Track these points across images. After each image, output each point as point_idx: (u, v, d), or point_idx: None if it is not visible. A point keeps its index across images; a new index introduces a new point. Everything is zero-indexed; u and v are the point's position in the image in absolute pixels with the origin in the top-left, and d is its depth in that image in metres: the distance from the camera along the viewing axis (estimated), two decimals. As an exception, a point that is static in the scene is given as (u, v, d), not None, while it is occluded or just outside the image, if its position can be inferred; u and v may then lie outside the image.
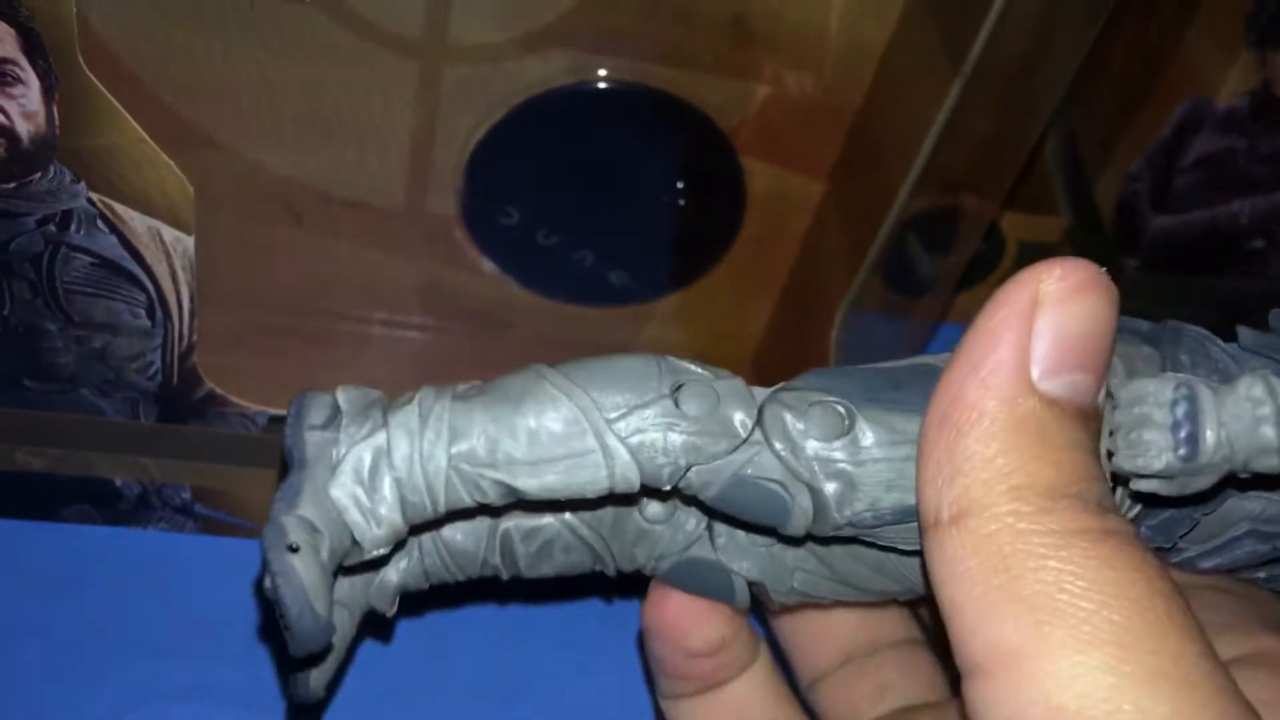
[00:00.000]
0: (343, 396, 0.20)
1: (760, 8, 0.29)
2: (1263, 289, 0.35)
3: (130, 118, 0.25)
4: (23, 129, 0.25)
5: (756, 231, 0.33)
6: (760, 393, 0.20)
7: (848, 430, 0.19)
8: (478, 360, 0.34)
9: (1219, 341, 0.21)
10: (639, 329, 0.35)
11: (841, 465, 0.19)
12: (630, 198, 0.32)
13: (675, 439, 0.19)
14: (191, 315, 0.28)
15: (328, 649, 0.20)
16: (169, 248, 0.27)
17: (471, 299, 0.34)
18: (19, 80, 0.24)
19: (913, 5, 0.28)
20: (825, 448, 0.19)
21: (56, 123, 0.25)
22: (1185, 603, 0.16)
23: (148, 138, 0.25)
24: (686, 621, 0.23)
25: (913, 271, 0.32)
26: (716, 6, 0.29)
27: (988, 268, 0.38)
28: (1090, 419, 0.18)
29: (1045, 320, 0.17)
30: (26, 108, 0.24)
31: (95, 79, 0.24)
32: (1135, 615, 0.16)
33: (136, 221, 0.27)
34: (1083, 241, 0.35)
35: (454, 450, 0.19)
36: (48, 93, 0.24)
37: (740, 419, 0.19)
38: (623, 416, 0.19)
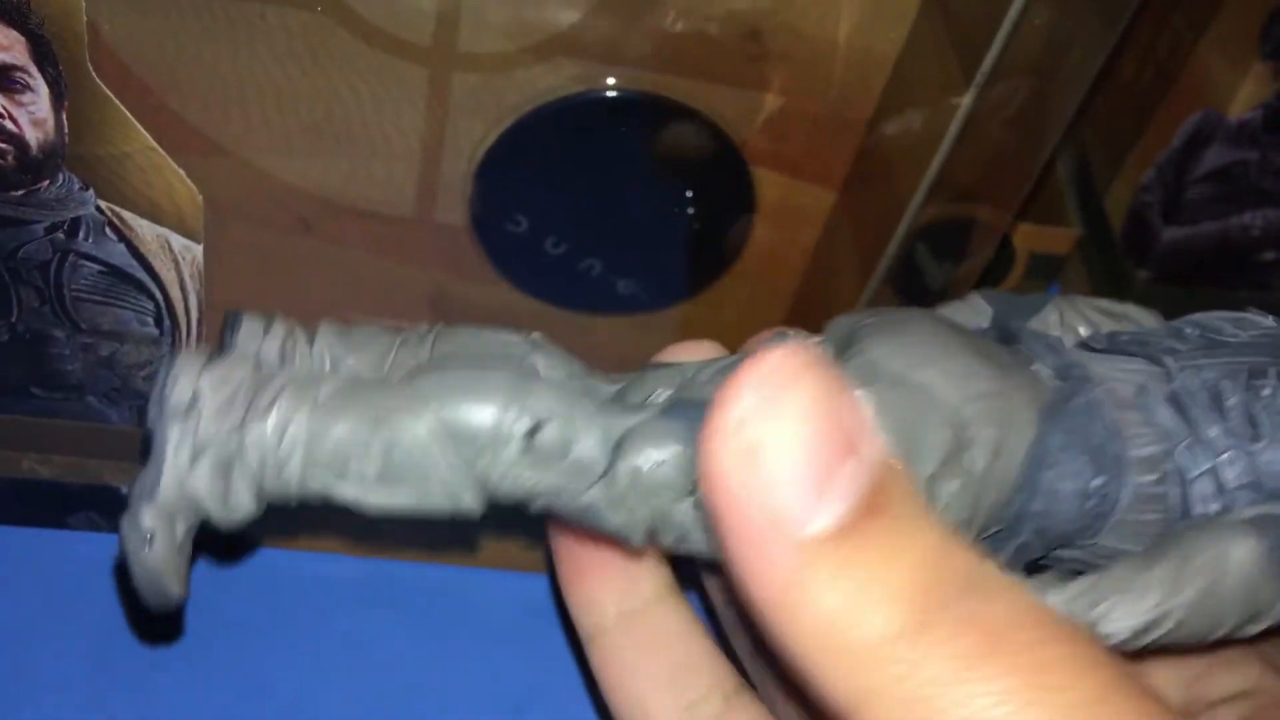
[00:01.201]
0: (207, 380, 0.20)
1: (771, 18, 0.29)
2: (1274, 301, 0.35)
3: (139, 126, 0.25)
4: (32, 136, 0.25)
5: (766, 241, 0.33)
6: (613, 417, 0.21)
7: (684, 497, 0.20)
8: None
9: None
10: (647, 338, 0.35)
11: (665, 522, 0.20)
12: (639, 207, 0.32)
13: (527, 480, 0.20)
14: (199, 324, 0.28)
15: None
16: (178, 256, 0.27)
17: (480, 307, 0.34)
18: (28, 88, 0.24)
19: (925, 16, 0.28)
20: (657, 505, 0.20)
21: (65, 130, 0.25)
22: None
23: (157, 146, 0.25)
24: None
25: (923, 282, 0.32)
26: (727, 16, 0.29)
27: (998, 278, 0.38)
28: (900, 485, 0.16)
29: (774, 449, 0.15)
30: (36, 115, 0.24)
31: (105, 87, 0.24)
32: None
33: (145, 230, 0.26)
34: (1093, 253, 0.35)
35: (308, 462, 0.20)
36: (57, 100, 0.24)
37: (593, 460, 0.20)
38: (478, 452, 0.20)
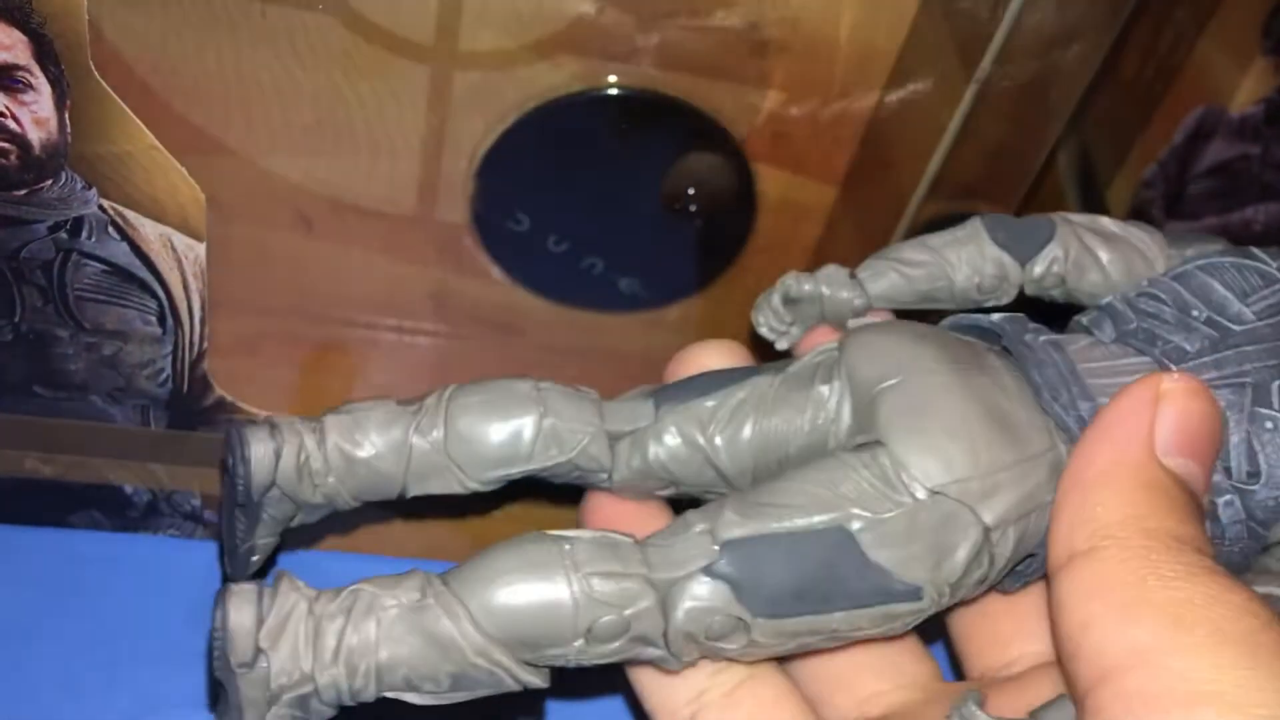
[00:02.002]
0: (266, 637, 0.21)
1: (772, 14, 0.29)
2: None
3: (142, 124, 0.25)
4: (34, 136, 0.25)
5: (768, 238, 0.33)
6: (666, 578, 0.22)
7: (742, 630, 0.22)
8: (488, 367, 0.34)
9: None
10: (649, 336, 0.35)
11: (727, 650, 0.22)
12: (640, 204, 0.32)
13: (591, 660, 0.22)
14: (202, 322, 0.28)
15: None
16: (180, 255, 0.27)
17: (482, 305, 0.34)
18: (31, 87, 0.24)
19: (926, 12, 0.28)
20: (714, 645, 0.22)
21: (68, 129, 0.25)
22: None
23: (159, 144, 0.25)
24: (626, 519, 0.25)
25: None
26: (729, 13, 0.29)
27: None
28: (1198, 501, 0.21)
29: (1166, 411, 0.21)
30: (38, 114, 0.24)
31: (107, 86, 0.24)
32: (1259, 629, 0.18)
33: (148, 228, 0.27)
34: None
35: (380, 688, 0.21)
36: (59, 99, 0.24)
37: (650, 630, 0.22)
38: (543, 654, 0.22)
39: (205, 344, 0.29)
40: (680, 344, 0.35)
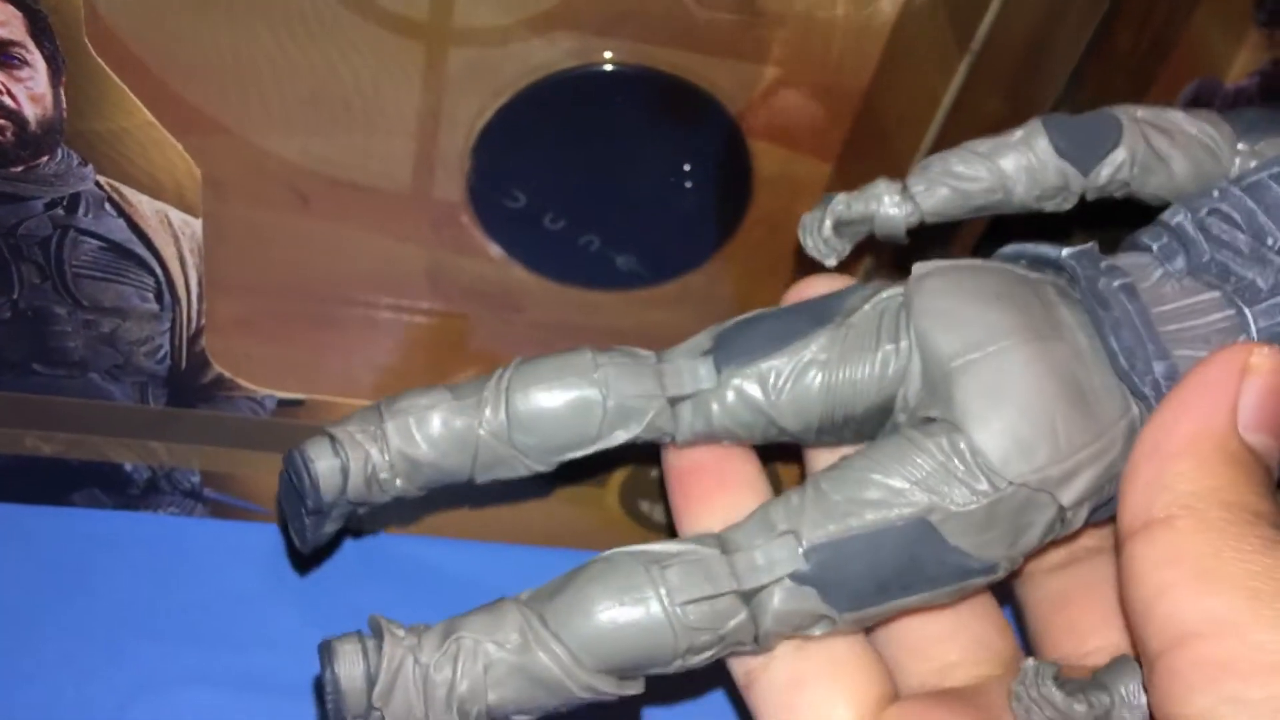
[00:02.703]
0: (379, 698, 0.22)
1: (767, -11, 0.29)
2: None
3: (137, 100, 0.25)
4: (30, 112, 0.25)
5: (764, 214, 0.33)
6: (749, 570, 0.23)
7: (827, 622, 0.23)
8: (484, 345, 0.34)
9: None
10: (646, 313, 0.35)
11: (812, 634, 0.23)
12: (637, 181, 0.32)
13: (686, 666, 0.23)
14: (200, 299, 0.28)
15: None
16: (177, 231, 0.27)
17: (479, 283, 0.34)
18: (26, 63, 0.24)
19: (920, -16, 0.28)
20: (800, 632, 0.23)
21: (64, 106, 0.25)
22: None
23: (155, 121, 0.25)
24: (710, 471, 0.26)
25: (921, 253, 0.32)
26: (723, -12, 0.29)
27: (991, 250, 0.38)
28: (1274, 477, 0.21)
29: (1252, 385, 0.21)
30: (33, 91, 0.24)
31: (103, 62, 0.24)
32: None
33: (144, 205, 0.27)
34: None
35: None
36: (55, 76, 0.24)
37: (740, 626, 0.22)
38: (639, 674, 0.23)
39: (203, 321, 0.29)
40: (678, 321, 0.35)
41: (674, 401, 0.24)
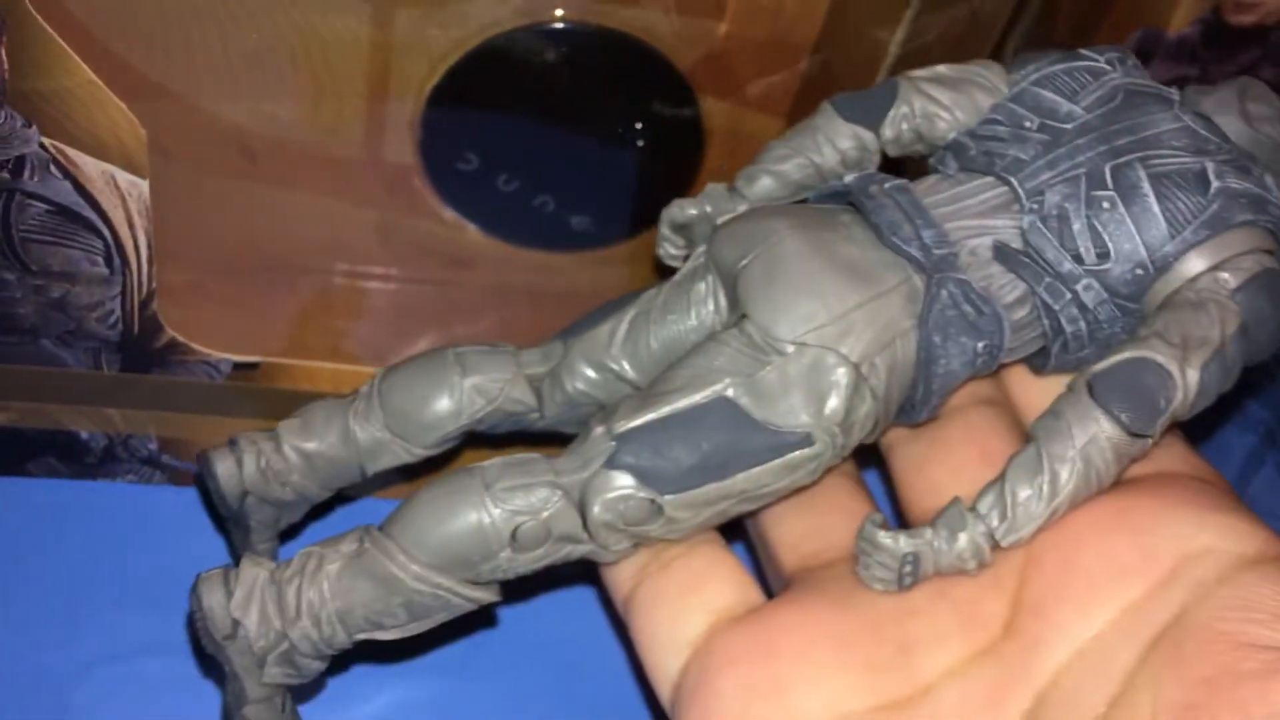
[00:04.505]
0: (237, 607, 0.24)
1: (714, -57, 0.29)
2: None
3: (79, 59, 0.25)
4: (-29, 73, 0.25)
5: (716, 171, 0.33)
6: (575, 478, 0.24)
7: (656, 510, 0.23)
8: (439, 308, 0.34)
9: None
10: (602, 273, 0.35)
11: (650, 531, 0.24)
12: (589, 140, 0.32)
13: (526, 565, 0.24)
14: (150, 262, 0.28)
15: None
16: (124, 193, 0.27)
17: (433, 246, 0.34)
18: (-35, 24, 0.24)
19: (863, -64, 0.29)
20: (637, 530, 0.24)
21: (5, 66, 0.25)
22: None
23: (97, 79, 0.25)
24: None
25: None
26: (669, -58, 0.29)
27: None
28: None
29: None
30: (-26, 51, 0.24)
31: (43, 21, 0.24)
32: None
33: (90, 167, 0.26)
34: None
35: (350, 631, 0.24)
36: (-5, 36, 0.24)
37: (572, 528, 0.24)
38: (477, 568, 0.24)
39: (154, 284, 0.29)
40: (633, 280, 0.35)
41: (535, 382, 0.26)
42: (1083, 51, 0.26)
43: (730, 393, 0.23)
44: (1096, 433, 0.22)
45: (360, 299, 0.34)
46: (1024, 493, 0.23)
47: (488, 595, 0.24)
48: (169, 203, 0.28)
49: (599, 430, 0.24)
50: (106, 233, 0.28)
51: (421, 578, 0.23)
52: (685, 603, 0.24)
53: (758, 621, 0.24)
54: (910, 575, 0.23)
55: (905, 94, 0.26)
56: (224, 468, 0.26)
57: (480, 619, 0.26)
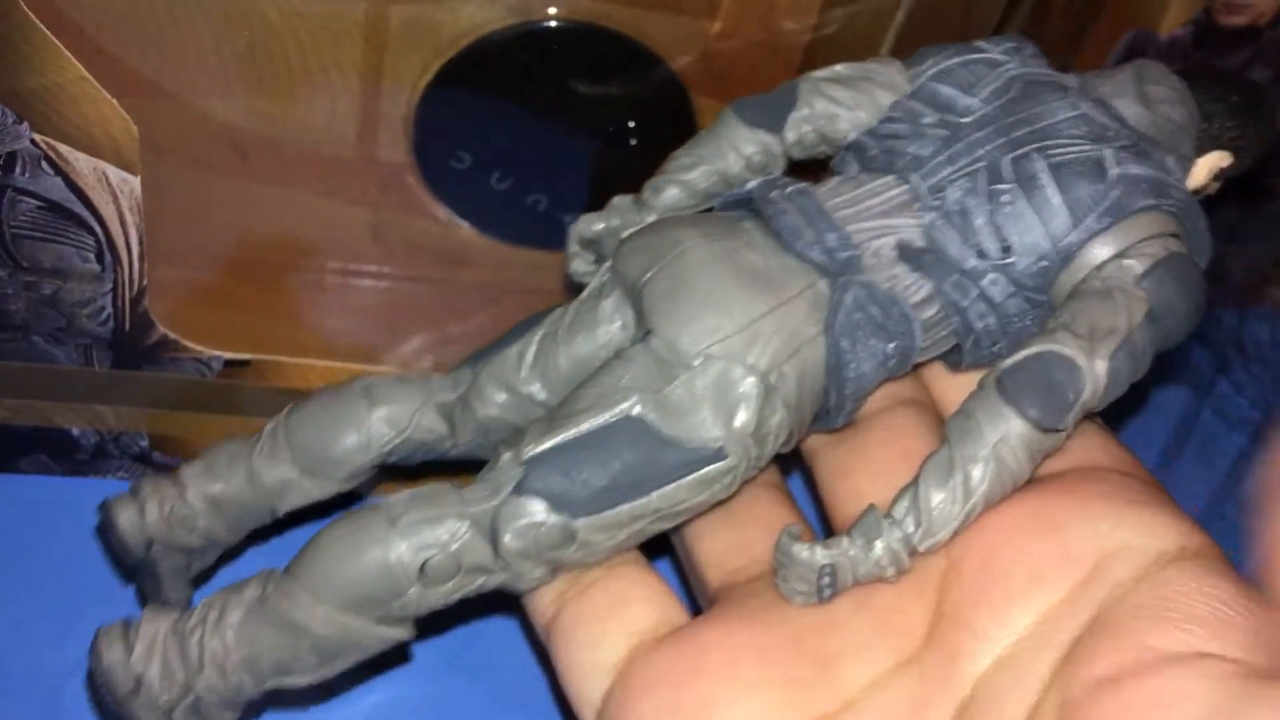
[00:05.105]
0: (138, 662, 0.23)
1: (707, -58, 0.29)
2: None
3: (71, 56, 0.25)
4: (-38, 69, 0.25)
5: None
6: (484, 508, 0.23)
7: (569, 535, 0.23)
8: (431, 306, 0.34)
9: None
10: (595, 271, 0.35)
11: (566, 556, 0.23)
12: (582, 139, 0.32)
13: (439, 599, 0.23)
14: (141, 259, 0.28)
15: None
16: (115, 189, 0.27)
17: (426, 245, 0.34)
18: (-44, 19, 0.24)
19: (856, -64, 0.29)
20: (552, 556, 0.23)
21: (-4, 62, 0.25)
22: None
23: (88, 75, 0.25)
24: None
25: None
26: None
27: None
28: None
29: None
30: (-35, 46, 0.24)
31: (34, 17, 0.24)
32: None
33: (82, 163, 0.26)
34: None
35: (257, 681, 0.23)
36: (-14, 31, 0.24)
37: (483, 558, 0.23)
38: (387, 606, 0.23)
39: (145, 281, 0.29)
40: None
41: (446, 410, 0.26)
42: (979, 44, 0.25)
43: (638, 410, 0.23)
44: (1007, 431, 0.22)
45: (352, 296, 0.34)
46: (938, 496, 0.22)
47: (400, 633, 0.23)
48: (161, 199, 0.28)
49: (507, 456, 0.23)
50: (98, 229, 0.28)
51: (329, 620, 0.23)
52: (605, 626, 0.24)
53: (679, 642, 0.23)
54: (829, 587, 0.23)
55: (805, 96, 0.26)
56: (126, 517, 0.25)
57: (397, 654, 0.25)
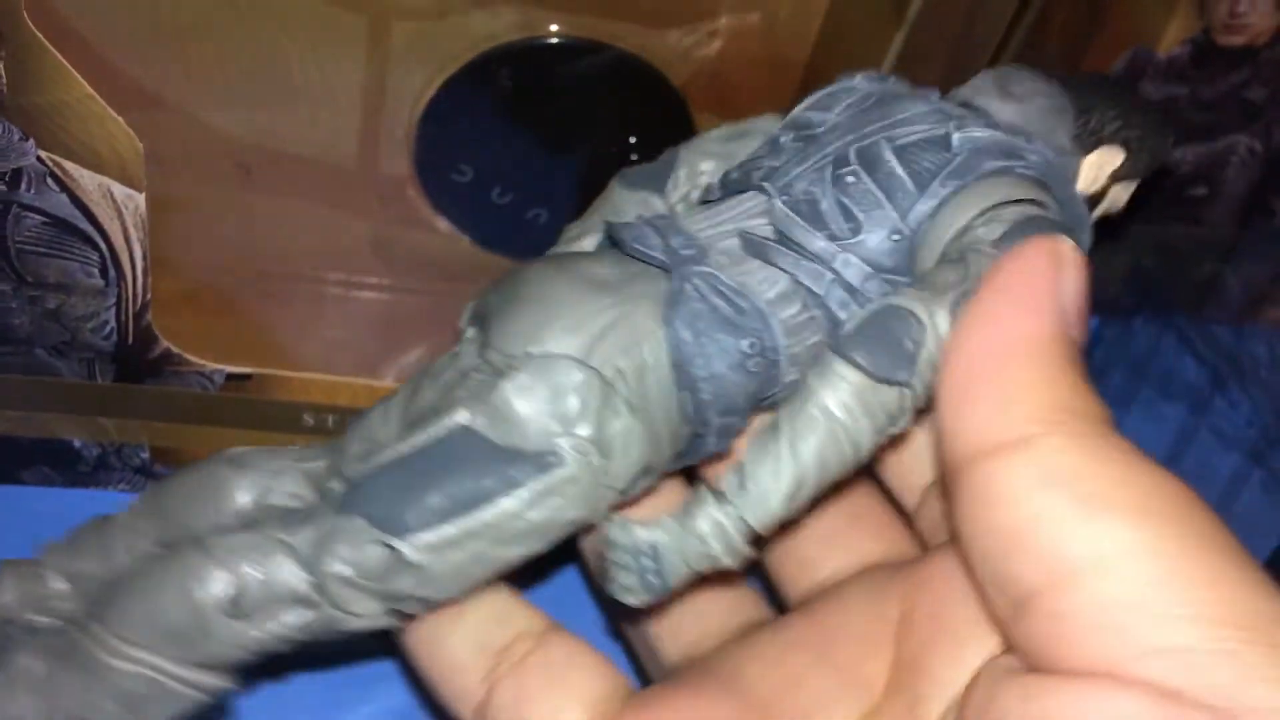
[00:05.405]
0: None
1: (709, -39, 0.29)
2: (1203, 236, 0.36)
3: (77, 74, 0.25)
4: (-31, 87, 0.25)
5: (709, 186, 0.33)
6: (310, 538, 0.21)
7: (397, 558, 0.21)
8: (434, 320, 0.34)
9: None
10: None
11: (400, 587, 0.21)
12: (584, 154, 0.33)
13: (255, 640, 0.21)
14: (145, 273, 0.28)
15: None
16: (120, 205, 0.27)
17: (427, 258, 0.34)
18: (-37, 37, 0.24)
19: (856, -45, 0.29)
20: (384, 588, 0.21)
21: (3, 80, 0.25)
22: None
23: (94, 93, 0.25)
24: None
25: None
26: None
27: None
28: None
29: (1068, 277, 0.19)
30: (-29, 65, 0.24)
31: (41, 36, 0.24)
32: (1191, 506, 0.18)
33: (86, 179, 0.27)
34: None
35: None
36: (-7, 50, 0.24)
37: (314, 606, 0.21)
38: (195, 647, 0.21)
39: (148, 296, 0.29)
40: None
41: (311, 475, 0.24)
42: (842, 78, 0.25)
43: (466, 420, 0.21)
44: (838, 383, 0.20)
45: (354, 310, 0.34)
46: (764, 461, 0.21)
47: (212, 680, 0.21)
48: (164, 214, 0.28)
49: (332, 483, 0.22)
50: (102, 245, 0.28)
51: (143, 664, 0.21)
52: (555, 697, 0.22)
53: (648, 708, 0.22)
54: (655, 574, 0.21)
55: (685, 157, 0.26)
56: None
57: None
